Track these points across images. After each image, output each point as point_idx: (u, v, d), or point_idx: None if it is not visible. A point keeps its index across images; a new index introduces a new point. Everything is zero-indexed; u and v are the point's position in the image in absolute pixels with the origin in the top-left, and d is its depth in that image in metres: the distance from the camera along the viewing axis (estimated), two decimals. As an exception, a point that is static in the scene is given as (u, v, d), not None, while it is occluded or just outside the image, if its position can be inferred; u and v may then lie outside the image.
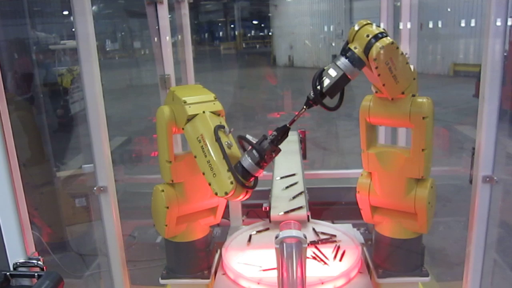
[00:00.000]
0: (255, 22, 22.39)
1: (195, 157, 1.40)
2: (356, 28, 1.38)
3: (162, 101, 2.61)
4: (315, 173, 2.84)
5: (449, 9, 12.69)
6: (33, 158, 3.15)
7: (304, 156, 2.58)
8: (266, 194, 2.19)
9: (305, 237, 1.23)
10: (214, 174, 1.36)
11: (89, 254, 3.17)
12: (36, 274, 1.08)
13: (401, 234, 1.61)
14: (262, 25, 21.91)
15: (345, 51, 1.36)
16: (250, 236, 1.81)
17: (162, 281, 1.70)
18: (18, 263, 1.13)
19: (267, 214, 1.93)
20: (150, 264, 2.76)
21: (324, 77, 1.36)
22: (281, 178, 2.17)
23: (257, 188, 2.82)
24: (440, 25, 12.87)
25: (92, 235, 3.28)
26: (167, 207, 1.52)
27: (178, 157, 1.53)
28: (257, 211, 2.24)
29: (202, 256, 1.70)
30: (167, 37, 2.58)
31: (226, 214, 2.11)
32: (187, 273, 1.69)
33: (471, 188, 1.59)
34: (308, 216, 1.87)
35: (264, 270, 1.56)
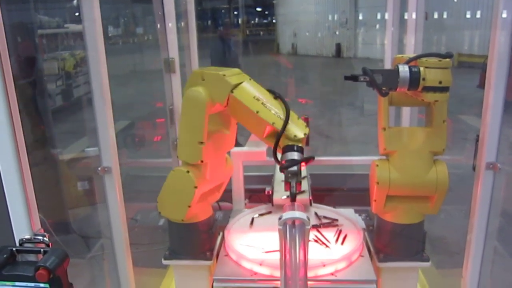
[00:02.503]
0: (258, 9, 22.23)
1: (257, 112, 1.42)
2: (439, 63, 1.38)
3: (165, 86, 2.62)
4: (317, 159, 2.83)
5: (455, 0, 12.60)
6: (35, 142, 3.15)
7: (307, 143, 2.58)
8: (269, 179, 2.20)
9: (308, 219, 1.24)
10: (288, 121, 1.38)
11: (91, 236, 3.19)
12: (42, 250, 1.09)
13: (403, 219, 1.62)
14: (266, 12, 21.75)
15: (413, 67, 1.38)
16: (253, 219, 1.82)
17: (164, 262, 1.72)
18: (24, 239, 1.14)
19: (269, 198, 1.94)
20: (153, 247, 2.78)
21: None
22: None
23: (259, 173, 2.84)
24: (445, 16, 12.78)
25: (94, 218, 3.30)
26: (196, 187, 1.52)
27: (208, 138, 1.54)
28: (259, 196, 2.26)
29: (204, 238, 1.71)
30: (172, 22, 2.56)
31: (228, 198, 2.12)
32: (189, 255, 1.70)
33: (474, 176, 1.60)
34: (310, 200, 1.89)
35: (266, 252, 1.58)
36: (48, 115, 3.85)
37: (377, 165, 1.56)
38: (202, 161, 1.51)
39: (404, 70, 1.37)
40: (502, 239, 1.98)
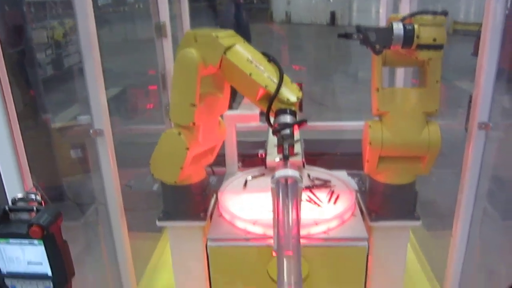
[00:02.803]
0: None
1: (250, 74, 1.40)
2: (433, 20, 1.38)
3: (157, 51, 2.58)
4: (310, 125, 2.84)
5: (451, -34, 12.36)
6: (25, 106, 3.11)
7: (300, 108, 2.58)
8: (262, 145, 2.21)
9: (301, 177, 1.24)
10: (281, 85, 1.38)
11: (86, 203, 3.20)
12: (34, 208, 1.09)
13: (395, 180, 1.63)
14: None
15: (407, 25, 1.36)
16: (246, 181, 1.83)
17: (159, 224, 1.73)
18: (16, 198, 1.14)
19: (262, 161, 1.95)
20: (148, 212, 2.80)
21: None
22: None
23: (252, 139, 2.83)
24: (441, -17, 12.59)
25: (88, 185, 3.30)
26: (188, 149, 1.52)
27: (200, 100, 1.53)
28: (253, 161, 2.27)
29: (198, 200, 1.72)
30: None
31: (222, 163, 2.13)
32: (183, 216, 1.72)
33: (466, 137, 1.61)
34: (303, 163, 1.90)
35: (259, 212, 1.59)
36: (39, 84, 3.80)
37: (370, 126, 1.56)
38: (194, 124, 1.51)
39: (398, 27, 1.36)
40: (493, 202, 2.01)
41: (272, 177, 1.25)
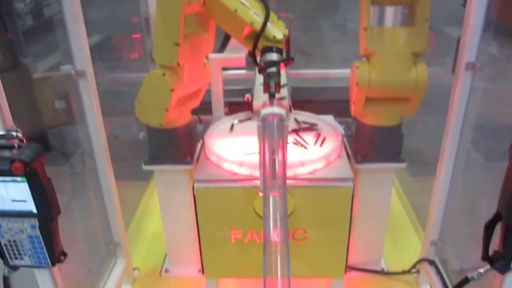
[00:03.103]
0: None
1: (235, 11, 1.35)
2: None
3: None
4: (298, 72, 2.82)
5: None
6: (2, 46, 3.01)
7: (287, 47, 2.53)
8: (248, 92, 2.17)
9: (287, 115, 1.23)
10: (267, 22, 1.33)
11: (71, 153, 3.18)
12: (16, 145, 1.07)
13: (382, 122, 1.64)
14: None
15: None
16: (232, 125, 1.82)
17: (145, 167, 1.73)
18: (-3, 136, 1.12)
19: (249, 106, 1.93)
20: (134, 161, 2.79)
21: None
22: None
23: (239, 87, 2.80)
24: None
25: (74, 135, 3.27)
26: (173, 90, 1.49)
27: (184, 40, 1.48)
28: (239, 108, 2.24)
29: (184, 143, 1.72)
30: None
31: (208, 112, 2.11)
32: (170, 160, 1.71)
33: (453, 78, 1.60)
34: (290, 106, 1.88)
35: (246, 154, 1.59)
36: (18, 35, 3.67)
37: (357, 67, 1.54)
38: (178, 64, 1.47)
39: None
40: (479, 149, 2.01)
41: (258, 115, 1.24)
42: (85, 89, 1.52)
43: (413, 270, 1.93)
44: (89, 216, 2.14)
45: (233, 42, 1.88)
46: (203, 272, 1.71)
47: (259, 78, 2.03)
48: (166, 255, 2.08)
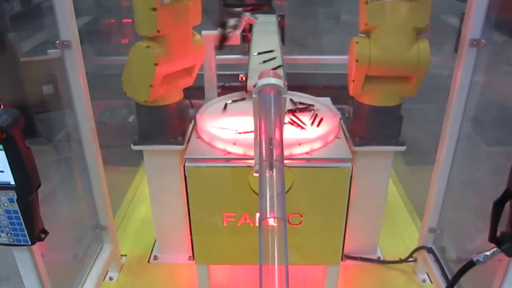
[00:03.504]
0: None
1: None
2: None
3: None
4: (293, 58, 2.75)
5: None
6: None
7: (282, 41, 2.47)
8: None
9: (285, 87, 1.16)
10: None
11: (59, 140, 3.08)
12: (-8, 111, 0.99)
13: (381, 102, 1.58)
14: None
15: None
16: (226, 104, 1.74)
17: (134, 147, 1.65)
18: (-27, 103, 1.04)
19: (242, 85, 1.86)
20: (124, 148, 2.70)
21: None
22: (259, 53, 2.07)
23: (233, 72, 2.71)
24: None
25: (61, 122, 3.18)
26: (156, 64, 1.42)
27: (163, 6, 1.40)
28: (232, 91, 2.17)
29: (175, 123, 1.64)
30: None
31: (201, 96, 2.03)
32: (160, 140, 1.64)
33: (456, 57, 1.54)
34: (286, 86, 1.81)
35: (239, 133, 1.52)
36: (5, 20, 3.56)
37: (357, 42, 1.48)
38: (159, 31, 1.41)
39: None
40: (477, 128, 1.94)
41: (254, 86, 1.17)
42: (71, 61, 1.43)
43: (410, 258, 1.87)
44: (75, 199, 2.06)
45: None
46: (193, 258, 1.63)
47: (253, 61, 1.95)
48: (155, 242, 2.00)
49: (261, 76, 1.19)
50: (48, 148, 2.98)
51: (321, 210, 1.49)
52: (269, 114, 1.14)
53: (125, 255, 1.96)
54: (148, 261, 1.92)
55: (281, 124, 1.15)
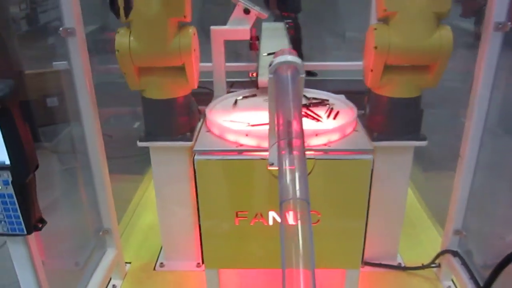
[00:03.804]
0: None
1: None
2: None
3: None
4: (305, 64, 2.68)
5: None
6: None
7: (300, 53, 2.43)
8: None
9: (302, 65, 1.08)
10: None
11: (63, 151, 3.01)
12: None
13: (400, 93, 1.49)
14: None
15: None
16: (236, 100, 1.66)
17: (140, 144, 1.57)
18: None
19: (253, 82, 1.78)
20: (129, 160, 2.62)
21: None
22: (268, 54, 2.00)
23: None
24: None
25: (66, 134, 3.12)
26: (117, 51, 1.40)
27: None
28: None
29: (183, 117, 1.56)
30: None
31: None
32: (167, 135, 1.55)
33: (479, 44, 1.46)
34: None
35: (252, 125, 1.44)
36: (13, 39, 3.54)
37: (375, 29, 1.40)
38: (126, 17, 1.38)
39: None
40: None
41: (270, 65, 1.09)
42: (74, 47, 1.36)
43: (433, 264, 1.75)
44: (77, 204, 1.98)
45: (237, 13, 1.75)
46: (202, 262, 1.53)
47: (263, 60, 1.88)
48: (161, 249, 1.89)
49: (277, 55, 1.11)
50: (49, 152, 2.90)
51: (340, 207, 1.39)
52: (287, 94, 1.05)
53: (130, 263, 1.85)
54: (154, 269, 1.81)
55: (300, 105, 1.07)
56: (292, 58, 1.07)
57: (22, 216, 0.96)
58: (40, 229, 1.00)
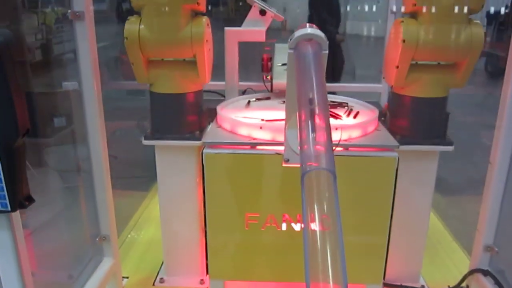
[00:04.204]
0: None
1: None
2: None
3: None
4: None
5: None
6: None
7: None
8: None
9: (326, 39, 0.99)
10: None
11: (67, 170, 2.93)
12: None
13: (426, 92, 1.40)
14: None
15: None
16: (249, 101, 1.57)
17: (145, 142, 1.46)
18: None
19: (266, 86, 1.70)
20: (134, 180, 2.52)
21: None
22: (282, 64, 1.93)
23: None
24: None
25: (71, 153, 3.05)
26: (126, 38, 1.33)
27: None
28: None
29: (192, 115, 1.46)
30: None
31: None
32: (175, 134, 1.45)
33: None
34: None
35: (266, 120, 1.33)
36: (26, 66, 3.56)
37: (402, 21, 1.33)
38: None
39: None
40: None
41: (290, 39, 1.00)
42: (82, 33, 1.29)
43: (462, 286, 1.58)
44: (77, 214, 1.86)
45: (252, 15, 1.68)
46: (207, 273, 1.38)
47: (277, 70, 1.81)
48: (162, 264, 1.75)
49: (297, 29, 1.02)
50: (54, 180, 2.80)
51: (362, 210, 1.26)
52: (309, 71, 0.96)
53: (127, 277, 1.70)
54: (153, 284, 1.65)
55: (323, 82, 0.97)
56: (314, 31, 0.98)
57: (7, 189, 0.84)
58: (26, 206, 0.88)
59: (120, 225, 1.90)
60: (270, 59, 1.98)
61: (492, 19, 7.01)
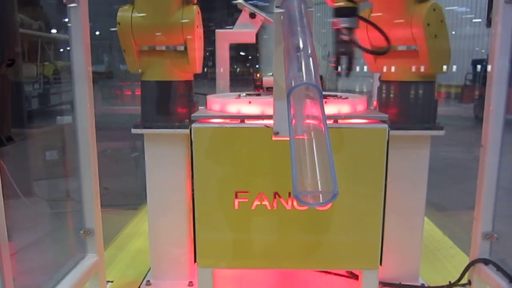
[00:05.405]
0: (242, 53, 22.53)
1: None
2: None
3: None
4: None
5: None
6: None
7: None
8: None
9: (312, -2, 1.02)
10: None
11: (56, 199, 2.88)
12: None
13: (409, 76, 1.42)
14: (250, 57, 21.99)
15: None
16: (239, 95, 1.58)
17: (134, 131, 1.45)
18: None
19: (255, 84, 1.72)
20: (124, 208, 2.46)
21: None
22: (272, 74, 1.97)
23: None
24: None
25: (61, 187, 3.01)
26: (119, 23, 1.37)
27: None
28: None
29: (182, 103, 1.47)
30: None
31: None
32: (165, 122, 1.45)
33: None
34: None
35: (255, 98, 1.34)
36: (22, 113, 3.62)
37: None
38: None
39: None
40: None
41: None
42: (76, 17, 1.31)
43: (462, 282, 1.51)
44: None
45: (242, 19, 1.74)
46: (195, 260, 1.32)
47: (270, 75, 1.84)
48: (149, 270, 1.66)
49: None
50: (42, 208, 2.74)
51: (355, 185, 1.23)
52: (296, 24, 0.98)
53: (112, 281, 1.61)
54: (139, 287, 1.57)
55: (311, 34, 0.98)
56: (300, -14, 1.01)
57: (-12, 123, 0.83)
58: (5, 145, 0.86)
59: (108, 238, 1.84)
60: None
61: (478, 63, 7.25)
